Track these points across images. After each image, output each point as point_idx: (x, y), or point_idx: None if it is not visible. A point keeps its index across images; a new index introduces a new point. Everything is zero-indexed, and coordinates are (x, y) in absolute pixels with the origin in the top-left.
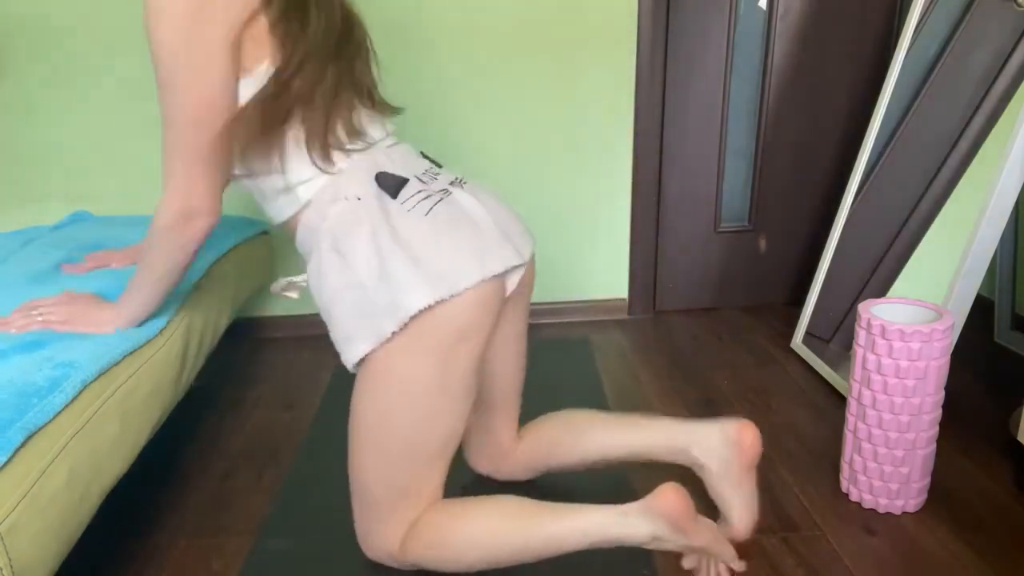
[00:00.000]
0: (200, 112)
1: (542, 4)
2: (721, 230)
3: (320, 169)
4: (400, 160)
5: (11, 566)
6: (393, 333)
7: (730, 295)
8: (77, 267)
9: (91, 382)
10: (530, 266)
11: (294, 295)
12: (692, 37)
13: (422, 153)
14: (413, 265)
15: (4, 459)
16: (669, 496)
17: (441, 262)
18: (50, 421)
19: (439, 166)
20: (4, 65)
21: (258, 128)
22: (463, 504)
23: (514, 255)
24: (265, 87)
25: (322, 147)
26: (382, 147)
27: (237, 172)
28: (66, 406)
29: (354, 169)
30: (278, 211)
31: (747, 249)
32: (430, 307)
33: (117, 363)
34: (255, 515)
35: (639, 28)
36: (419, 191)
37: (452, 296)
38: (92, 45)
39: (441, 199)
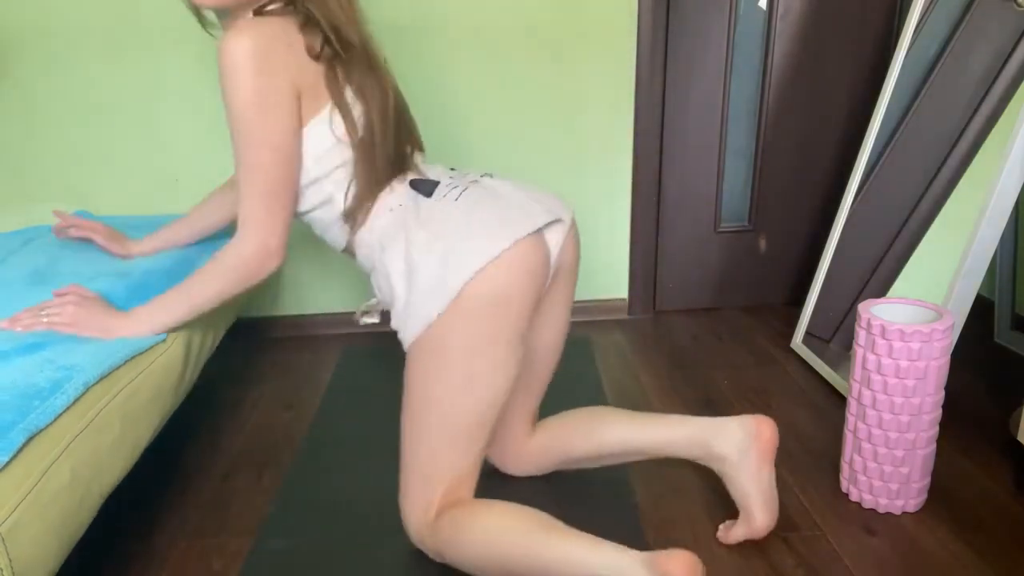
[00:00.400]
0: (278, 157)
1: (542, 4)
2: (721, 230)
3: None
4: (432, 172)
5: (11, 566)
6: (439, 315)
7: (730, 295)
8: (67, 222)
9: (93, 384)
10: (573, 237)
11: (376, 319)
12: (692, 37)
13: (451, 168)
14: (448, 250)
15: (6, 460)
16: (681, 560)
17: (473, 239)
18: (52, 423)
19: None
20: (4, 65)
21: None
22: (486, 503)
23: (546, 213)
24: (342, 146)
25: (383, 188)
26: (419, 168)
27: (299, 209)
28: (68, 408)
29: (394, 187)
30: (336, 239)
31: (747, 249)
32: (470, 280)
33: (119, 367)
34: (255, 515)
35: (639, 28)
36: (449, 184)
37: (488, 263)
38: (92, 46)
39: (469, 187)
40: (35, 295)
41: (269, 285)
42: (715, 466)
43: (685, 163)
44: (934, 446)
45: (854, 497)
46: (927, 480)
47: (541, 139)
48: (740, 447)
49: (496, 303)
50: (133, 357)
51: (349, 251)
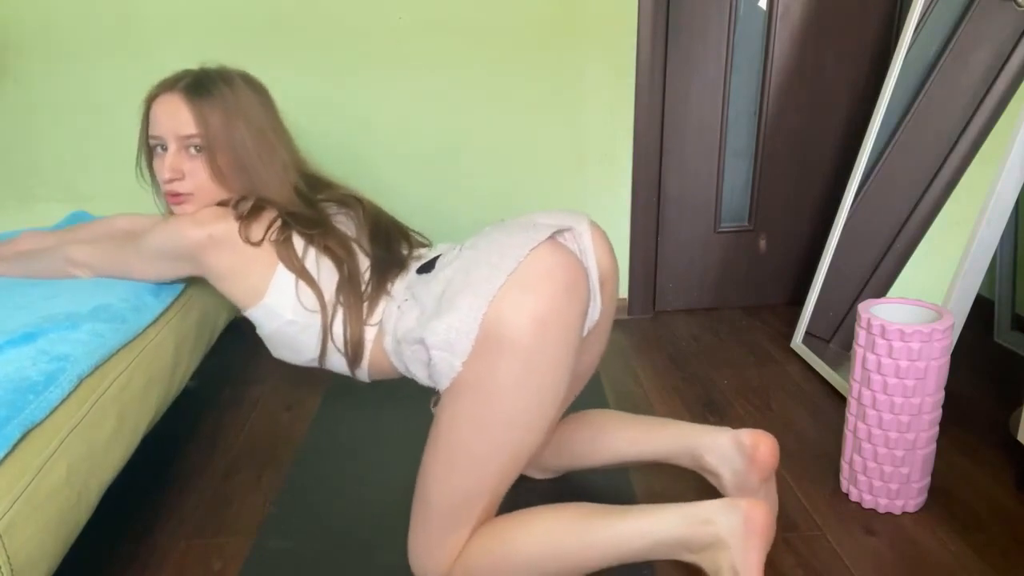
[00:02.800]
0: (130, 274)
1: (542, 4)
2: (721, 230)
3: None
4: (435, 251)
5: (10, 564)
6: (462, 363)
7: (730, 295)
8: None
9: (86, 376)
10: (604, 244)
11: None
12: (692, 37)
13: None
14: (454, 301)
15: (1, 456)
16: (761, 509)
17: (480, 273)
18: (47, 417)
19: None
20: (4, 65)
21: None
22: (511, 522)
23: (548, 228)
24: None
25: (377, 303)
26: (422, 256)
27: (304, 359)
28: (62, 401)
29: (394, 291)
30: (362, 373)
31: (747, 249)
32: (487, 312)
33: (111, 356)
34: (255, 515)
35: (639, 28)
36: (450, 250)
37: (499, 289)
38: (92, 45)
39: (468, 241)
40: (33, 295)
41: None
42: (710, 480)
43: (685, 163)
44: (934, 446)
45: (854, 497)
46: (927, 480)
47: (541, 139)
48: (732, 467)
49: (528, 330)
50: (125, 345)
51: (383, 373)
